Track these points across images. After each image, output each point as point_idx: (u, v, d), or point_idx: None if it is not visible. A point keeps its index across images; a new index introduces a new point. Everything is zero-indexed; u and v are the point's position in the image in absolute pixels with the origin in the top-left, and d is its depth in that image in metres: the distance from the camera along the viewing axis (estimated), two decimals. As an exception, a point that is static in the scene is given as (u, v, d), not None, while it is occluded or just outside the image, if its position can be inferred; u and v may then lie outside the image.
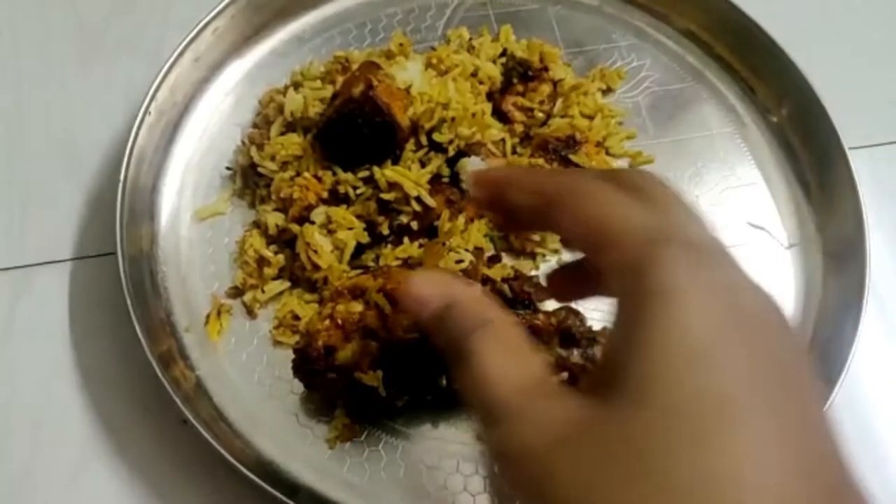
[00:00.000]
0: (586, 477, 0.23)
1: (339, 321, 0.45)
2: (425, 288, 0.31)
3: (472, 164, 0.51)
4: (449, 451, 0.48)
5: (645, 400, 0.24)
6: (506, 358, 0.28)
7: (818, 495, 0.23)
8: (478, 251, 0.50)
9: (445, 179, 0.52)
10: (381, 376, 0.44)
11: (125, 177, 0.52)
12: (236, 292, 0.53)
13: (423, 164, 0.52)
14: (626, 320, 0.26)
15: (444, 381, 0.46)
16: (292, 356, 0.47)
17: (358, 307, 0.45)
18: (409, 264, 0.50)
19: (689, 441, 0.22)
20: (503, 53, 0.60)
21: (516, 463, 0.26)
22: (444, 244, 0.50)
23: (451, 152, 0.52)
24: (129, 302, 0.48)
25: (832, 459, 0.24)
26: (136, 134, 0.54)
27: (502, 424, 0.26)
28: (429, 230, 0.52)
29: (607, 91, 0.62)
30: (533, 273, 0.53)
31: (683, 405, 0.23)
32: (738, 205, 0.59)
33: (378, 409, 0.48)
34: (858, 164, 0.56)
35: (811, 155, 0.59)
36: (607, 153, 0.58)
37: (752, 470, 0.22)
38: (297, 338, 0.50)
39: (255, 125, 0.58)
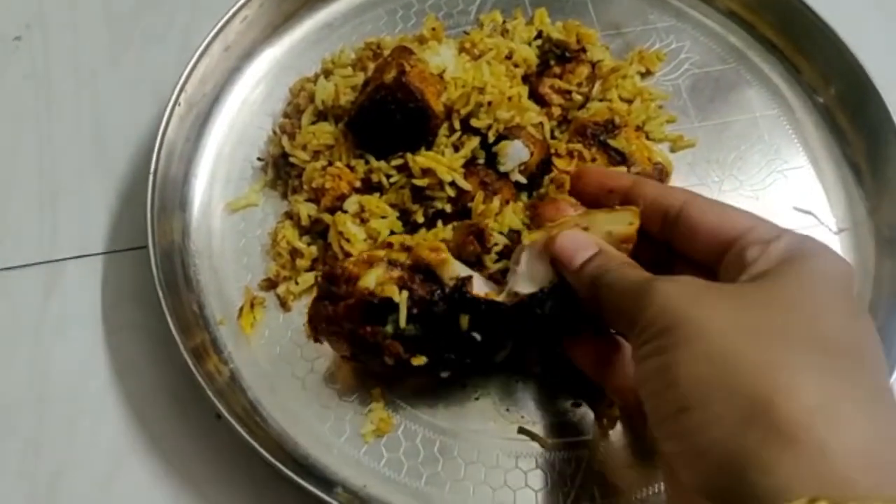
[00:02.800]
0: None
1: (365, 257, 0.45)
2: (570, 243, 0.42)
3: (513, 147, 0.50)
4: (487, 446, 0.47)
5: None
6: (633, 270, 0.40)
7: None
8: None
9: (480, 162, 0.50)
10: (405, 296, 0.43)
11: (155, 169, 0.52)
12: (269, 284, 0.52)
13: (456, 149, 0.50)
14: (778, 264, 0.36)
15: (466, 323, 0.44)
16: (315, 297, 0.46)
17: (382, 252, 0.45)
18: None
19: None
20: (538, 36, 0.58)
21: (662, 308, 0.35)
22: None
23: (492, 137, 0.50)
24: (161, 295, 0.48)
25: None
26: (167, 125, 0.53)
27: (648, 294, 0.36)
28: (462, 213, 0.50)
29: (646, 74, 0.60)
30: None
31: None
32: (785, 189, 0.57)
33: (393, 366, 0.45)
34: (912, 144, 0.54)
35: (861, 136, 0.57)
36: (647, 137, 0.56)
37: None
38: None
39: (285, 115, 0.58)
